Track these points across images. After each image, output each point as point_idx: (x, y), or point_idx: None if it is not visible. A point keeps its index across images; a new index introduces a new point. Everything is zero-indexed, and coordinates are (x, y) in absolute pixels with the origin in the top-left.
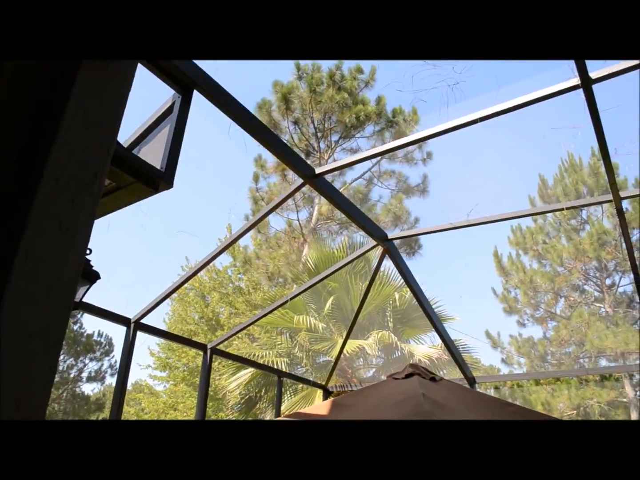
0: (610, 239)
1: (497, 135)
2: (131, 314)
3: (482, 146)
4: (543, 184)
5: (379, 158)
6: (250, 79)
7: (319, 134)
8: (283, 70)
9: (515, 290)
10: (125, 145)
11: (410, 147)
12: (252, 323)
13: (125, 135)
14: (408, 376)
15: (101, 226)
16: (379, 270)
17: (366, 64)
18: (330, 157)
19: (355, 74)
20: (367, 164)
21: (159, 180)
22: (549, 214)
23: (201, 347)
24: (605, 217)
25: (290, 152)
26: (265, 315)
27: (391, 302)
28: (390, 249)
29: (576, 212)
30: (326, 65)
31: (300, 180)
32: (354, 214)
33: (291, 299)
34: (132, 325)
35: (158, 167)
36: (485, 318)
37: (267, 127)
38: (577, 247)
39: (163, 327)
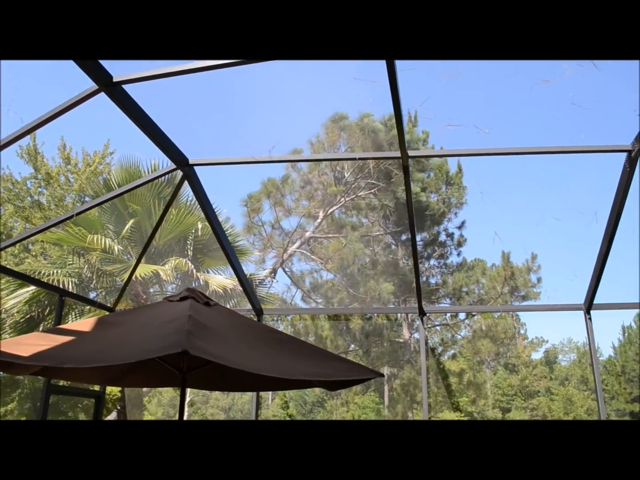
0: None
1: (309, 80)
2: None
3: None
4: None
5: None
6: None
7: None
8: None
9: None
10: None
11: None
12: (29, 236)
13: None
14: (183, 299)
15: None
16: (177, 196)
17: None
18: None
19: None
20: None
21: None
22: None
23: None
24: None
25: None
26: (46, 228)
27: (194, 231)
28: (190, 175)
29: None
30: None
31: (92, 87)
32: (155, 133)
33: (78, 213)
34: None
35: None
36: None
37: None
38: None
39: None
